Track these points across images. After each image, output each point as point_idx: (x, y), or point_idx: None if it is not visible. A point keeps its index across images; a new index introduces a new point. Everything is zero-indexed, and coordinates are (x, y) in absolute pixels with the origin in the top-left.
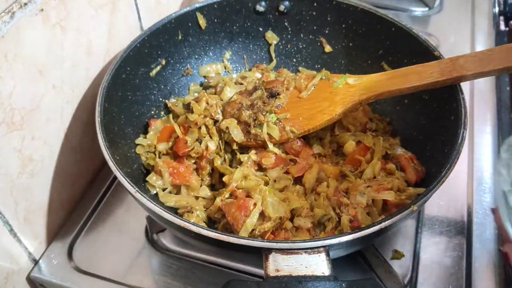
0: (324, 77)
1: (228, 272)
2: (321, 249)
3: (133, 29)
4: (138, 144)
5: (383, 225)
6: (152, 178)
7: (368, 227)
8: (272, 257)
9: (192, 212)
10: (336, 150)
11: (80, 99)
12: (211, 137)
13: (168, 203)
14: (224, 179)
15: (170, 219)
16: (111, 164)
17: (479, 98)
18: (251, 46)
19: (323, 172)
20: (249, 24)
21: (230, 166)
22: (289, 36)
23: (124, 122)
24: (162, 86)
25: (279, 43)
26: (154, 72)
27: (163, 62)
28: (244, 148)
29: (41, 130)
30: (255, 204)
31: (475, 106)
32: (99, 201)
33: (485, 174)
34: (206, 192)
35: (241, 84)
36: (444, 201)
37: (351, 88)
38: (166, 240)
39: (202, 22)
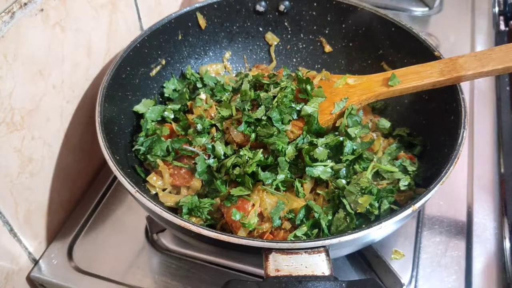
0: (324, 78)
1: (228, 272)
2: (321, 249)
3: (133, 29)
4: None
5: (383, 225)
6: (152, 178)
7: (368, 227)
8: (272, 257)
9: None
10: None
11: (80, 99)
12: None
13: (168, 203)
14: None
15: (170, 219)
16: (111, 164)
17: (479, 98)
18: (251, 46)
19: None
20: (249, 24)
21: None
22: (289, 36)
23: (124, 122)
24: (162, 86)
25: (279, 44)
26: (154, 72)
27: (163, 62)
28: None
29: (41, 130)
30: (253, 205)
31: (475, 106)
32: (99, 201)
33: (485, 174)
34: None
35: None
36: (444, 201)
37: (351, 88)
38: (166, 240)
39: (202, 22)
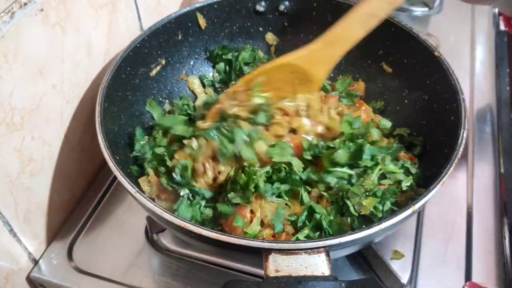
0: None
1: (228, 272)
2: (321, 249)
3: (133, 29)
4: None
5: (383, 225)
6: (144, 181)
7: (368, 227)
8: (272, 257)
9: None
10: None
11: (80, 99)
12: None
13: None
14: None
15: (170, 219)
16: (111, 164)
17: (479, 98)
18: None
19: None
20: (249, 24)
21: None
22: (289, 36)
23: (124, 122)
24: (162, 86)
25: (279, 44)
26: (154, 72)
27: (163, 62)
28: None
29: (41, 130)
30: (251, 211)
31: (475, 106)
32: (99, 201)
33: (485, 174)
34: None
35: None
36: (444, 201)
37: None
38: (166, 240)
39: (202, 22)
